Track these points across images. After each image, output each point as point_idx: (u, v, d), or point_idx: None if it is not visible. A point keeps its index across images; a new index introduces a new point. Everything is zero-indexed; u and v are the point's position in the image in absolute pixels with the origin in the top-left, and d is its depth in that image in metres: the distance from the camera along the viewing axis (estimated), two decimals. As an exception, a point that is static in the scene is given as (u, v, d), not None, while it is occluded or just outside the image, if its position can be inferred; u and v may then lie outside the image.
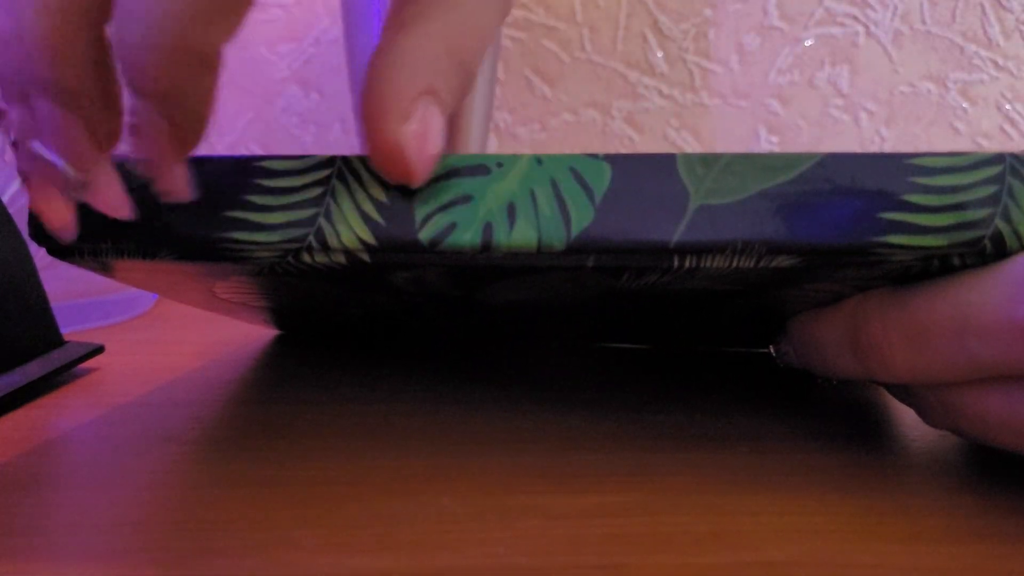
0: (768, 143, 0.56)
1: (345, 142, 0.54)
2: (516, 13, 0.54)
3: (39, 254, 0.29)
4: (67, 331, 0.29)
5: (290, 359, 0.25)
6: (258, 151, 0.54)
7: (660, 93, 0.55)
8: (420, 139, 0.14)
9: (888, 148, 0.55)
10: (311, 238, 0.15)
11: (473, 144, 0.44)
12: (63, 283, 0.29)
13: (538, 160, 0.15)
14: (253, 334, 0.29)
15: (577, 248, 0.14)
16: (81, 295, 0.30)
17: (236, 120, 0.54)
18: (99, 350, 0.24)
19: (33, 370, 0.22)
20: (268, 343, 0.28)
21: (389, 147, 0.14)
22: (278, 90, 0.54)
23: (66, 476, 0.16)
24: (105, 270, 0.17)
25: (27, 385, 0.21)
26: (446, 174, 0.15)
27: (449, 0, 0.15)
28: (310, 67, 0.54)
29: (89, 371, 0.24)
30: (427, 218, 0.15)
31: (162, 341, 0.28)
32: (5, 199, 0.28)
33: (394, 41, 0.15)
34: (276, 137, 0.54)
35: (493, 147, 0.55)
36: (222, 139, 0.54)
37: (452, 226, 0.14)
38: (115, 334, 0.29)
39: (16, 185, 0.28)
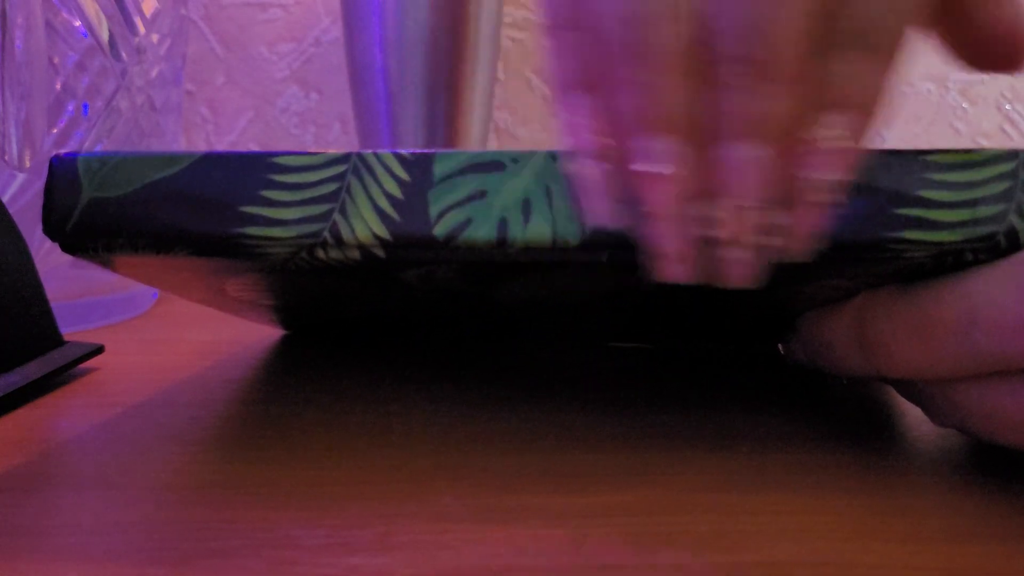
0: (768, 143, 0.56)
1: (345, 142, 0.54)
2: (516, 13, 0.54)
3: (38, 254, 0.29)
4: (67, 331, 0.29)
5: (291, 359, 0.25)
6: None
7: (660, 93, 0.55)
8: None
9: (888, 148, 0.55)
10: (326, 233, 0.15)
11: (473, 144, 0.44)
12: (63, 283, 0.29)
13: (553, 156, 0.15)
14: (254, 334, 0.29)
15: (591, 244, 0.14)
16: (81, 295, 0.30)
17: (236, 120, 0.54)
18: (99, 350, 0.24)
19: (33, 370, 0.22)
20: (268, 343, 0.28)
21: None
22: (278, 90, 0.54)
23: (66, 476, 0.16)
24: (113, 265, 0.17)
25: (27, 385, 0.21)
26: (461, 170, 0.15)
27: None
28: (310, 67, 0.54)
29: (89, 371, 0.24)
30: (442, 214, 0.15)
31: (162, 341, 0.28)
32: (5, 199, 0.28)
33: None
34: (276, 137, 0.54)
35: (493, 147, 0.55)
36: (222, 139, 0.54)
37: (467, 222, 0.14)
38: (115, 334, 0.29)
39: (16, 185, 0.28)
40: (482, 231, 0.14)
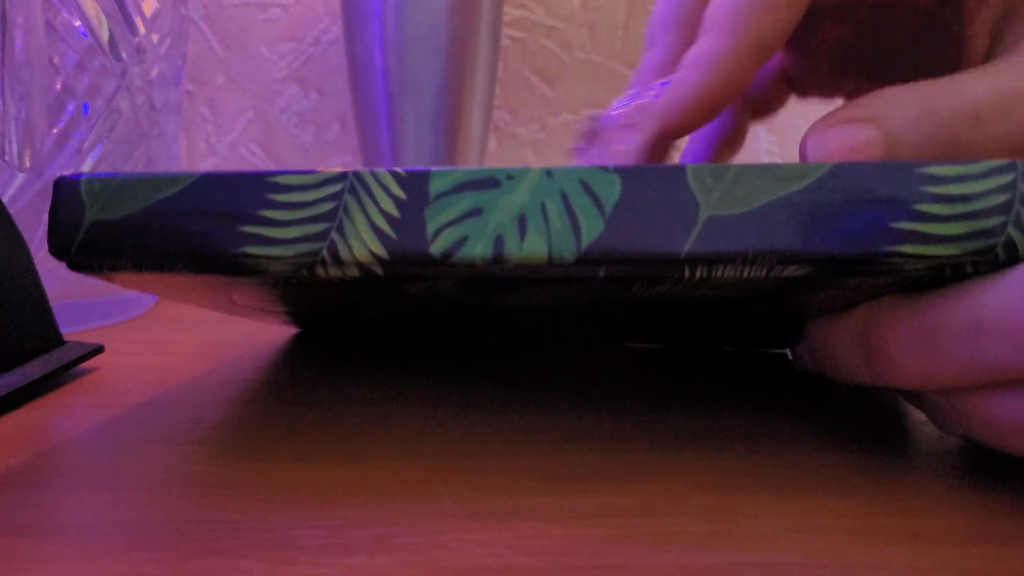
0: (768, 143, 0.56)
1: (344, 141, 0.54)
2: (516, 13, 0.54)
3: (38, 255, 0.29)
4: (67, 331, 0.29)
5: (292, 360, 0.25)
6: (258, 151, 0.54)
7: (660, 93, 0.55)
8: None
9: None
10: (324, 252, 0.15)
11: (473, 144, 0.44)
12: (63, 283, 0.29)
13: (548, 172, 0.15)
14: (254, 335, 0.29)
15: (587, 259, 0.14)
16: (81, 295, 0.30)
17: (236, 120, 0.54)
18: (99, 350, 0.24)
19: (33, 370, 0.22)
20: (269, 344, 0.28)
21: None
22: (278, 90, 0.54)
23: (66, 476, 0.16)
24: (120, 281, 0.17)
25: (27, 385, 0.21)
26: (457, 187, 0.15)
27: None
28: (310, 67, 0.54)
29: (89, 371, 0.24)
30: (438, 231, 0.15)
31: (162, 341, 0.28)
32: (5, 199, 0.28)
33: None
34: (276, 137, 0.54)
35: (493, 147, 0.55)
36: (222, 139, 0.54)
37: (463, 239, 0.14)
38: (115, 334, 0.29)
39: (16, 185, 0.28)
40: (478, 248, 0.14)
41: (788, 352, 0.19)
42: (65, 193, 0.16)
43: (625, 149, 0.18)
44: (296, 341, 0.28)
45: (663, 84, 0.20)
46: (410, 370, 0.24)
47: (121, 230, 0.16)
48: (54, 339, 0.24)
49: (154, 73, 0.31)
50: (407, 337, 0.28)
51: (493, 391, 0.22)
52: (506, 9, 0.54)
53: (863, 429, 0.19)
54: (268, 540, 0.13)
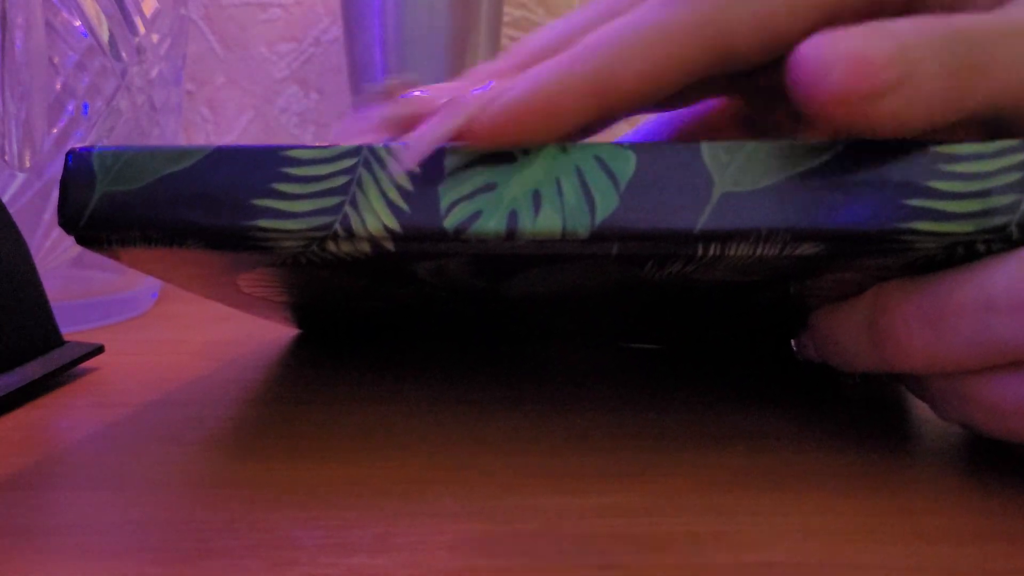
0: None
1: (345, 142, 0.54)
2: (516, 13, 0.54)
3: (38, 254, 0.29)
4: (67, 331, 0.29)
5: (292, 360, 0.25)
6: (258, 151, 0.54)
7: (660, 93, 0.55)
8: None
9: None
10: (337, 226, 0.15)
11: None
12: (63, 283, 0.29)
13: (563, 148, 0.15)
14: (254, 334, 0.29)
15: (601, 235, 0.14)
16: (81, 295, 0.30)
17: (236, 120, 0.54)
18: (99, 350, 0.24)
19: (33, 370, 0.22)
20: (269, 344, 0.28)
21: None
22: (278, 90, 0.54)
23: (66, 476, 0.16)
24: (126, 260, 0.17)
25: (27, 385, 0.21)
26: (471, 163, 0.15)
27: None
28: (310, 67, 0.54)
29: (89, 371, 0.24)
30: (452, 206, 0.15)
31: (162, 341, 0.28)
32: (5, 199, 0.28)
33: None
34: (276, 137, 0.54)
35: (493, 147, 0.55)
36: (222, 139, 0.54)
37: (477, 214, 0.14)
38: (115, 334, 0.29)
39: (16, 185, 0.28)
40: (492, 223, 0.14)
41: (792, 343, 0.19)
42: (77, 165, 0.16)
43: (418, 135, 0.15)
44: (297, 341, 0.28)
45: (487, 86, 0.16)
46: (410, 370, 0.24)
47: (132, 202, 0.15)
48: (54, 339, 0.24)
49: (154, 73, 0.31)
50: (409, 333, 0.28)
51: (493, 391, 0.22)
52: (506, 9, 0.54)
53: (864, 428, 0.19)
54: (268, 540, 0.13)
